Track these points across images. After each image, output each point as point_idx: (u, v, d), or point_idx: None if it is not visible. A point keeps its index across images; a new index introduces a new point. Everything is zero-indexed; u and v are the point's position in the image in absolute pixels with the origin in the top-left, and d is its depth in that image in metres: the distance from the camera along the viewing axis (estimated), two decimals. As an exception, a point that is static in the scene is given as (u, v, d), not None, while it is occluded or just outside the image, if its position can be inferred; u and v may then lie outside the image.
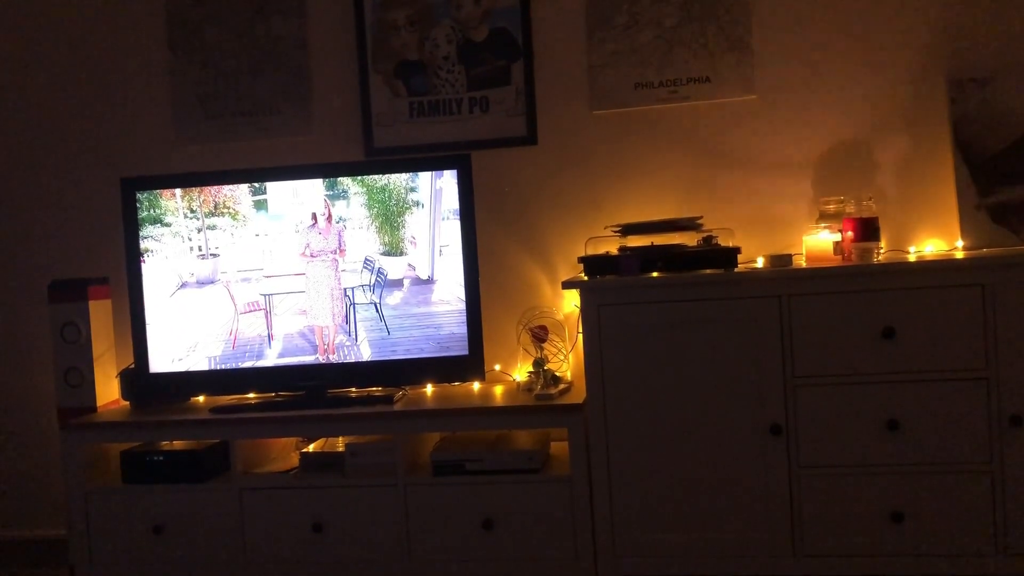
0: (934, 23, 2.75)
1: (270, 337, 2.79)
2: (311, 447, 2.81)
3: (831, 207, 2.63)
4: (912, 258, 2.60)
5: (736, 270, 2.48)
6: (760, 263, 2.61)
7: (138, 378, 2.84)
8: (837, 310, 2.39)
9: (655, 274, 2.49)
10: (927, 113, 2.76)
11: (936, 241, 2.74)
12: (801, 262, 2.61)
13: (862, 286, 2.38)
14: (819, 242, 2.58)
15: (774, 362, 2.41)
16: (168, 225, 2.81)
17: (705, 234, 2.58)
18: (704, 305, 2.44)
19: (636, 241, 2.63)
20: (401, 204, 2.75)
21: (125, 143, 3.18)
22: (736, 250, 2.50)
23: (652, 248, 2.57)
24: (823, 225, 2.61)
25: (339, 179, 2.76)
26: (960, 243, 2.67)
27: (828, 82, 2.80)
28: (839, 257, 2.55)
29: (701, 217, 2.63)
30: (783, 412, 2.41)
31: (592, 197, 2.93)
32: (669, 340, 2.45)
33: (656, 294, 2.47)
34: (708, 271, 2.48)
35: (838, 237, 2.57)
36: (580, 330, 2.54)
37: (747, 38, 2.83)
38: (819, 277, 2.42)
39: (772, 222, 2.82)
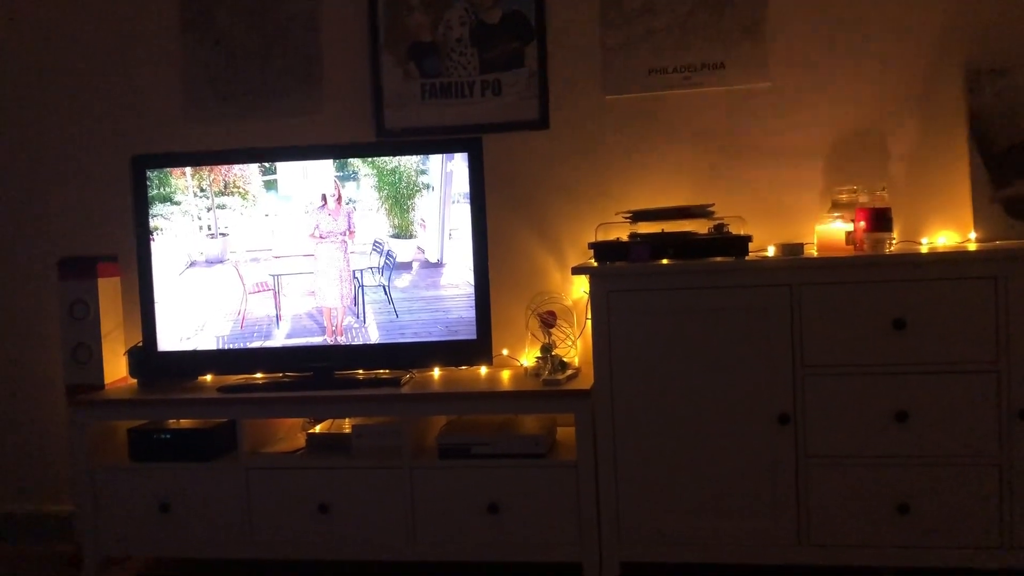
0: (952, 13, 2.72)
1: (278, 318, 2.79)
2: (318, 428, 2.82)
3: (844, 196, 2.61)
4: (924, 249, 2.59)
5: (747, 258, 2.47)
6: (771, 252, 2.60)
7: (146, 356, 2.85)
8: (848, 300, 2.37)
9: (665, 261, 2.48)
10: (943, 103, 2.73)
11: (949, 233, 2.72)
12: (813, 251, 2.60)
13: (873, 277, 2.37)
14: (831, 231, 2.57)
15: (783, 351, 2.40)
16: (178, 204, 2.81)
17: (716, 222, 2.56)
18: (714, 293, 2.43)
19: (647, 228, 2.61)
20: (411, 186, 2.74)
21: (136, 121, 3.17)
22: (747, 238, 2.49)
23: (663, 235, 2.56)
24: (836, 214, 2.59)
25: (349, 160, 2.75)
26: (973, 235, 2.65)
27: (843, 70, 2.78)
28: (851, 247, 2.54)
29: (713, 204, 2.62)
30: (791, 401, 2.40)
31: (603, 183, 2.92)
32: (678, 328, 2.45)
33: (666, 281, 2.46)
34: (719, 259, 2.47)
35: (850, 227, 2.55)
36: (589, 316, 2.53)
37: (762, 25, 2.80)
38: (830, 267, 2.40)
39: (784, 211, 2.80)
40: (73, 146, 3.21)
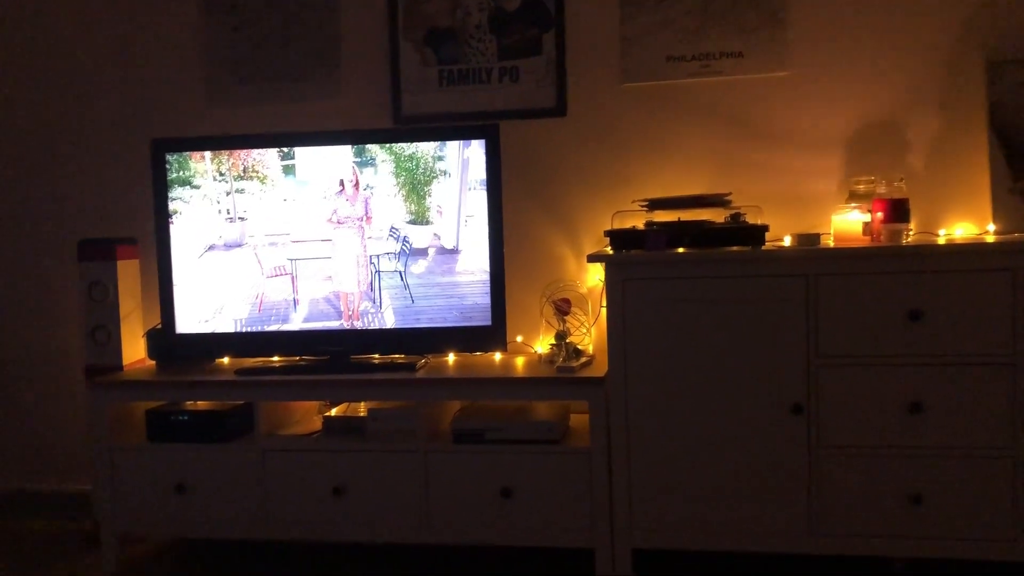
0: (973, 3, 2.70)
1: (295, 302, 2.81)
2: (334, 411, 2.84)
3: (861, 187, 2.60)
4: (942, 241, 2.58)
5: (763, 248, 2.46)
6: (788, 242, 2.60)
7: (164, 338, 2.87)
8: (864, 291, 2.37)
9: (681, 250, 2.48)
10: (963, 94, 2.72)
11: (967, 224, 2.71)
12: (829, 242, 2.59)
13: (890, 268, 2.36)
14: (848, 222, 2.56)
15: (798, 341, 2.40)
16: (197, 187, 2.83)
17: (733, 211, 2.56)
18: (730, 283, 2.43)
19: (663, 216, 2.62)
20: (428, 173, 2.75)
21: (156, 105, 3.19)
22: (764, 228, 2.49)
23: (679, 224, 2.56)
24: (853, 205, 2.58)
25: (367, 146, 2.76)
26: (991, 227, 2.64)
27: (862, 60, 2.77)
28: (868, 238, 2.53)
29: (730, 194, 2.61)
30: (805, 391, 2.40)
31: (620, 171, 2.92)
32: (693, 316, 2.45)
33: (682, 270, 2.46)
34: (735, 248, 2.47)
35: (867, 217, 2.54)
36: (603, 304, 2.54)
37: (781, 13, 2.79)
38: (847, 257, 2.40)
39: (801, 201, 2.79)
40: (93, 129, 3.24)
